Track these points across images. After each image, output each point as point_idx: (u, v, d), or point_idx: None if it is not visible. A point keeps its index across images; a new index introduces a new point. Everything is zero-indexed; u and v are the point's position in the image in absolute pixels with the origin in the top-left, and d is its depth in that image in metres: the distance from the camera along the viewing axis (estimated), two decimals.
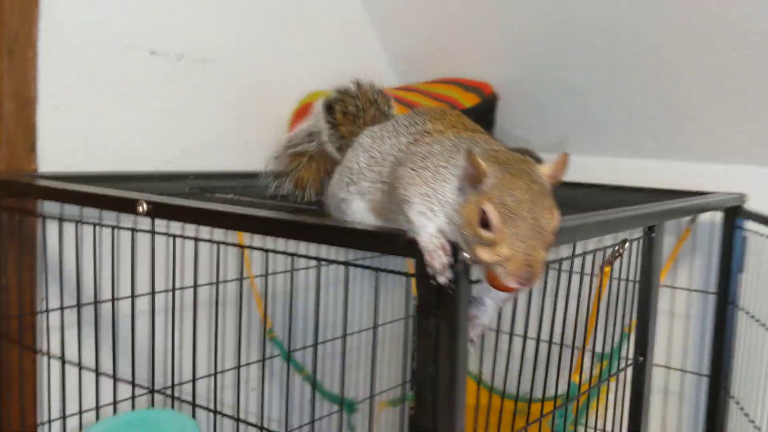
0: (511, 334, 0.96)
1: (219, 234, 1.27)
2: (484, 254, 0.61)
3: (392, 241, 0.68)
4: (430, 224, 0.66)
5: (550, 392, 1.64)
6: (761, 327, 1.36)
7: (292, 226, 0.78)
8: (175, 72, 1.40)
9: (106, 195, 0.94)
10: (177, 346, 1.10)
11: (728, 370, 1.47)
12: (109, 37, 1.30)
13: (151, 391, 1.04)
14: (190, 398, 1.02)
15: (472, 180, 0.63)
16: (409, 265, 1.79)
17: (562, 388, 1.61)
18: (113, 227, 1.01)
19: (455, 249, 0.64)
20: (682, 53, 1.47)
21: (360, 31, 1.82)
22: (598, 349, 1.49)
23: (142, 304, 1.09)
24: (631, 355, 1.21)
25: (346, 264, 0.89)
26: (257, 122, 1.60)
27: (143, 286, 1.05)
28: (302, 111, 1.62)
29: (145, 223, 0.99)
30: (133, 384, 1.03)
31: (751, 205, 1.44)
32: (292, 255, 0.93)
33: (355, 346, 1.81)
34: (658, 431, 1.68)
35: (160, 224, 1.14)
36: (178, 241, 1.19)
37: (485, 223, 0.61)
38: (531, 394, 1.20)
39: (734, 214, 1.43)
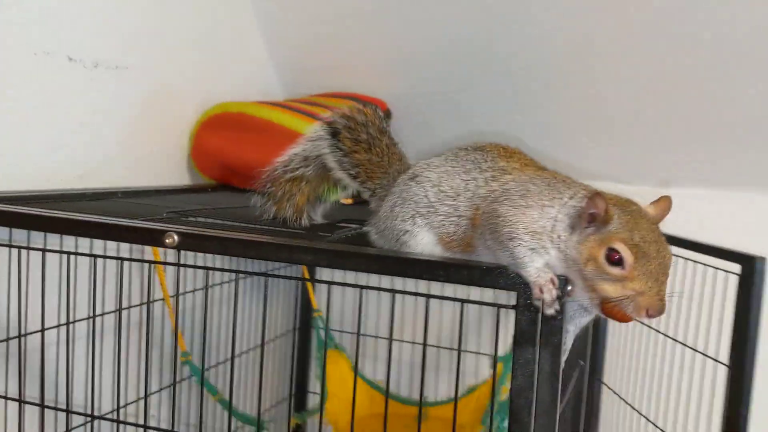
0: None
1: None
2: (611, 289, 0.68)
3: (495, 276, 0.72)
4: (540, 259, 0.71)
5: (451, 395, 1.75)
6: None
7: (392, 262, 0.77)
8: (91, 80, 1.27)
9: (132, 226, 0.84)
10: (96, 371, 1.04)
11: (601, 359, 1.69)
12: (21, 41, 1.15)
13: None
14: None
15: (599, 221, 0.69)
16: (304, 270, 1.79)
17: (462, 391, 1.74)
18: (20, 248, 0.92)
19: (563, 282, 0.70)
20: (559, 76, 1.65)
21: (251, 43, 1.78)
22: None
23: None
24: None
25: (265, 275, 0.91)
26: (162, 133, 1.50)
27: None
28: (212, 122, 1.55)
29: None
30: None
31: None
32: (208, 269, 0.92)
33: (243, 363, 1.78)
34: None
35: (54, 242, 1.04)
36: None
37: (616, 261, 0.68)
38: (456, 398, 1.29)
39: None
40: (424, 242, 0.84)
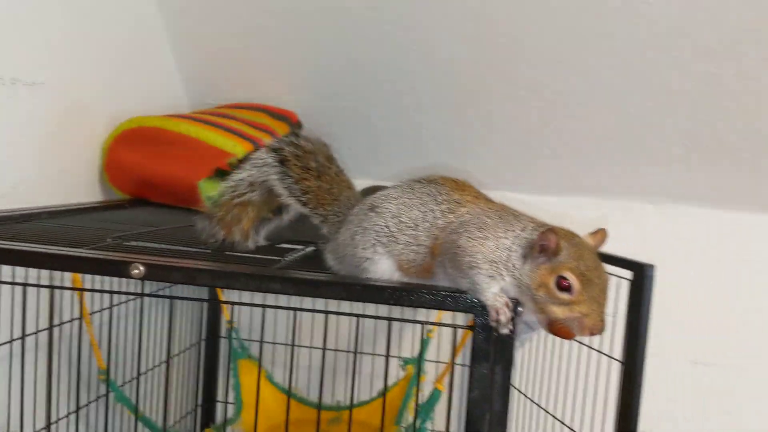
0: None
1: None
2: (559, 311, 0.78)
3: (457, 300, 0.80)
4: (496, 285, 0.80)
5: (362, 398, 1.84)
6: None
7: (364, 289, 0.83)
8: (8, 97, 1.23)
9: (97, 258, 0.84)
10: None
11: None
12: None
13: None
14: None
15: (550, 252, 0.79)
16: (218, 293, 1.81)
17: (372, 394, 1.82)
18: None
19: (515, 305, 0.80)
20: (457, 93, 1.78)
21: (161, 58, 1.77)
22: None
23: None
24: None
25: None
26: (74, 149, 1.47)
27: None
28: (126, 137, 1.54)
29: None
30: None
31: None
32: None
33: (156, 376, 1.77)
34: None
35: None
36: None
37: (565, 287, 0.78)
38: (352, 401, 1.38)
39: None
40: (383, 268, 0.92)
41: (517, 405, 1.79)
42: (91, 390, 1.47)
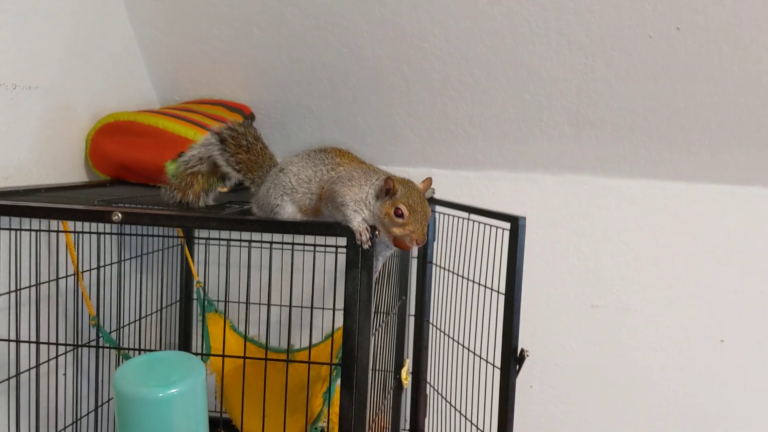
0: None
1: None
2: (397, 230, 1.15)
3: (335, 227, 1.17)
4: (359, 216, 1.17)
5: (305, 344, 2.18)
6: (448, 272, 2.10)
7: (270, 223, 1.19)
8: (11, 100, 1.58)
9: (87, 209, 1.20)
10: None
11: (429, 306, 2.19)
12: None
13: None
14: None
15: (390, 192, 1.16)
16: (187, 256, 2.16)
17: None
18: None
19: (373, 230, 1.16)
20: (384, 87, 2.14)
21: (133, 62, 2.11)
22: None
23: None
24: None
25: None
26: (64, 140, 1.81)
27: None
28: (105, 130, 1.88)
29: None
30: None
31: (437, 195, 2.18)
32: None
33: (139, 328, 2.11)
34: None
35: None
36: None
37: (399, 214, 1.14)
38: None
39: (429, 202, 2.14)
40: (289, 212, 1.28)
41: (431, 337, 2.16)
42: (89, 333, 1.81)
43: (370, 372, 1.18)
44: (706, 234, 2.21)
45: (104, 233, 1.80)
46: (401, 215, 1.16)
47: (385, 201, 1.18)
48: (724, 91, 1.93)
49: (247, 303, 1.45)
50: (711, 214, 2.20)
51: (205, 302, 2.12)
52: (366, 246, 1.15)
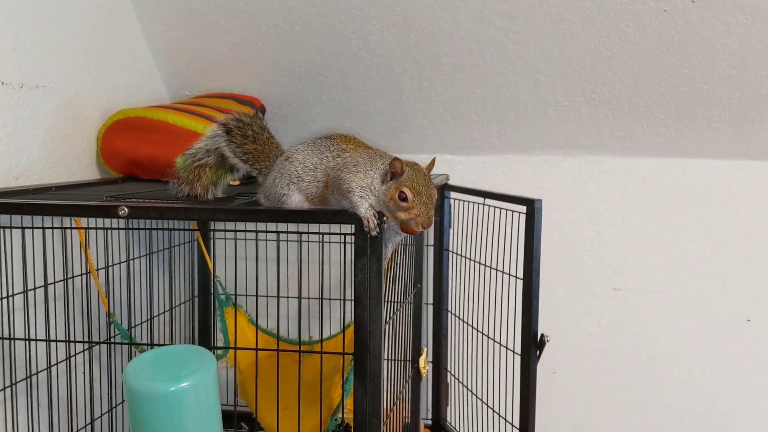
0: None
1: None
2: (403, 215, 1.12)
3: (342, 215, 1.15)
4: (365, 203, 1.14)
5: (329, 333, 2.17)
6: (465, 259, 2.07)
7: (277, 213, 1.18)
8: (18, 99, 1.58)
9: (94, 205, 1.19)
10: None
11: (447, 294, 2.16)
12: None
13: None
14: None
15: (395, 174, 1.13)
16: (205, 254, 2.15)
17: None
18: None
19: (380, 216, 1.14)
20: (394, 74, 2.11)
21: (142, 59, 2.11)
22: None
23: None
24: None
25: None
26: (74, 138, 1.81)
27: None
28: (116, 126, 1.88)
29: None
30: None
31: (451, 181, 2.15)
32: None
33: (159, 323, 2.12)
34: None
35: None
36: None
37: (403, 198, 1.12)
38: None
39: (443, 188, 2.11)
40: (296, 201, 1.27)
41: (450, 325, 2.13)
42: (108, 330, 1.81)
43: (383, 361, 1.15)
44: (730, 212, 2.15)
45: (115, 228, 1.79)
46: (405, 199, 1.14)
47: (390, 185, 1.16)
48: (743, 65, 1.87)
49: (267, 296, 1.43)
50: (734, 191, 2.14)
51: (223, 296, 2.12)
52: (374, 233, 1.13)
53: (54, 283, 1.53)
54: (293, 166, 1.27)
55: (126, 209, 1.16)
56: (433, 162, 1.27)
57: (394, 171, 1.16)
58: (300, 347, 1.70)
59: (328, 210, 1.19)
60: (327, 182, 1.23)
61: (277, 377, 1.48)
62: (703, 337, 2.20)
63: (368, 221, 1.13)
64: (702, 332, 2.20)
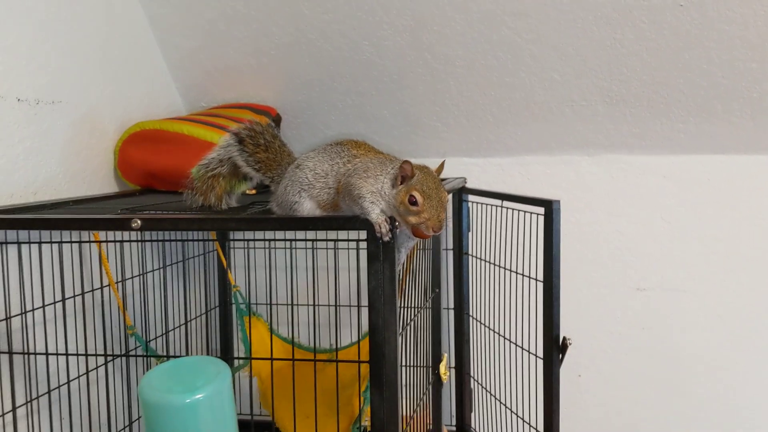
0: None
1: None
2: (413, 219, 1.11)
3: (354, 221, 1.14)
4: (377, 208, 1.13)
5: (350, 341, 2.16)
6: (484, 262, 2.05)
7: (288, 221, 1.17)
8: (35, 115, 1.59)
9: (107, 218, 1.20)
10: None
11: (467, 298, 2.14)
12: None
13: None
14: None
15: (406, 177, 1.12)
16: (222, 257, 2.15)
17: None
18: None
19: (392, 221, 1.13)
20: (408, 77, 2.10)
21: (157, 71, 2.12)
22: None
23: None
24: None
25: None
26: (91, 152, 1.82)
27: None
28: (133, 139, 1.89)
29: None
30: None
31: (469, 184, 2.13)
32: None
33: (178, 335, 2.12)
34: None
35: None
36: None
37: (413, 202, 1.11)
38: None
39: (461, 192, 2.10)
40: (308, 208, 1.26)
41: (472, 329, 2.11)
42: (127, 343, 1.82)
43: (399, 368, 1.14)
44: (753, 207, 2.11)
45: (133, 241, 1.80)
46: (415, 203, 1.13)
47: (400, 189, 1.15)
48: (762, 57, 1.84)
49: (287, 304, 1.42)
50: (756, 186, 2.10)
51: (243, 305, 2.12)
52: (386, 238, 1.12)
53: (73, 296, 1.54)
54: (304, 174, 1.27)
55: (139, 221, 1.16)
56: (442, 165, 1.26)
57: (404, 174, 1.15)
58: (315, 356, 1.70)
59: (339, 216, 1.19)
60: (338, 188, 1.23)
61: (293, 385, 1.47)
62: (728, 335, 2.16)
63: (380, 227, 1.12)
64: (728, 330, 2.16)
